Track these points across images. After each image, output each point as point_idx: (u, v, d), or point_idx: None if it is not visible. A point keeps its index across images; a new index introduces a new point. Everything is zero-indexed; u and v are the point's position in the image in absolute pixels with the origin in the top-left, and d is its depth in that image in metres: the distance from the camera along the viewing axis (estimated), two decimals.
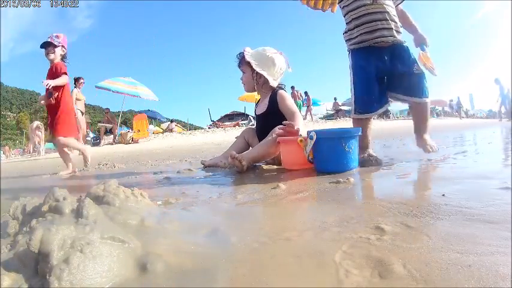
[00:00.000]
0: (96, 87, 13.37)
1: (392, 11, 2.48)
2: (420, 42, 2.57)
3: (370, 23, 2.44)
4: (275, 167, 2.63)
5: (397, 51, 2.47)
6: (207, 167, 2.96)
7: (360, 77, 2.51)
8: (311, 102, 20.45)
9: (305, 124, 3.86)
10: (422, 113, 2.52)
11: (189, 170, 2.83)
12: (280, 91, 2.84)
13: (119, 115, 14.52)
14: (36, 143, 13.58)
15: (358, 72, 2.51)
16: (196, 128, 24.47)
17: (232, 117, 28.61)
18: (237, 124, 21.10)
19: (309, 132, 2.16)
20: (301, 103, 19.01)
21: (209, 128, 20.60)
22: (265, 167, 2.64)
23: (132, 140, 12.06)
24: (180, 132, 16.48)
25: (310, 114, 20.28)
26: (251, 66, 2.87)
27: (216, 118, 26.34)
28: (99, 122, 15.06)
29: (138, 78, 16.70)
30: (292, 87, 17.70)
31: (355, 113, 2.51)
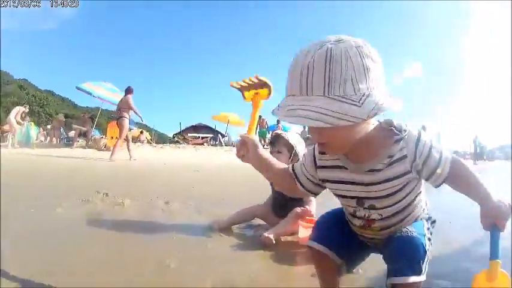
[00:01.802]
0: (77, 88, 13.33)
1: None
2: (490, 223, 1.18)
3: None
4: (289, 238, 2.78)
5: None
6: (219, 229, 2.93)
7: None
8: (281, 129, 20.92)
9: None
10: None
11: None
12: None
13: (92, 118, 14.43)
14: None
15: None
16: (162, 136, 24.35)
17: (198, 129, 28.78)
18: (206, 141, 21.33)
19: None
20: (267, 131, 19.36)
21: (175, 137, 20.65)
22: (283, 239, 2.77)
23: (105, 147, 11.88)
24: (149, 143, 16.45)
25: None
26: (290, 148, 2.92)
27: (181, 127, 26.49)
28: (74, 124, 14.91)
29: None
30: (259, 116, 17.99)
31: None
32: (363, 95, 1.00)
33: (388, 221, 1.34)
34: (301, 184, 1.42)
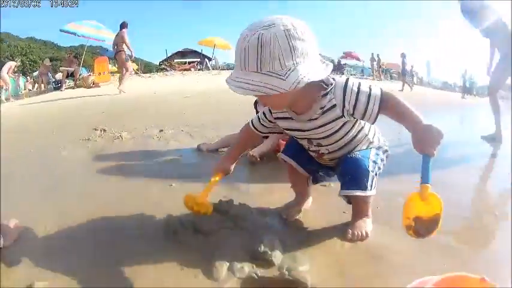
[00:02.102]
0: (61, 30, 12.95)
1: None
2: (422, 148, 1.33)
3: None
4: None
5: None
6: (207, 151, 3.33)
7: None
8: None
9: None
10: (359, 204, 1.76)
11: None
12: None
13: (77, 57, 14.13)
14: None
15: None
16: (149, 65, 23.95)
17: (185, 54, 28.29)
18: (193, 66, 21.04)
19: None
20: None
21: (162, 64, 20.44)
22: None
23: (94, 84, 11.84)
24: (137, 73, 16.29)
25: None
26: None
27: (167, 54, 26.04)
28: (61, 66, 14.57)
29: None
30: None
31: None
32: (289, 70, 1.24)
33: (335, 154, 1.67)
34: (258, 130, 1.78)
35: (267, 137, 3.03)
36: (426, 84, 27.75)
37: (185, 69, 19.55)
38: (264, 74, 1.25)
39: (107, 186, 2.48)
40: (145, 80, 13.95)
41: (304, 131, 1.59)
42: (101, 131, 4.41)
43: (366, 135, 1.65)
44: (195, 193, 1.75)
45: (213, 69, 20.27)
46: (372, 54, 20.76)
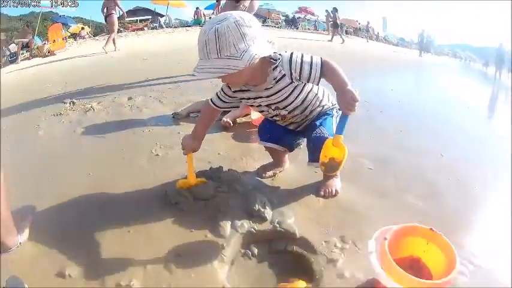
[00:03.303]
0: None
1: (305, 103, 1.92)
2: (345, 107, 1.60)
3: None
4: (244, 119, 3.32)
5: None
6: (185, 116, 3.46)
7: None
8: (221, 5, 20.34)
9: None
10: None
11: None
12: None
13: (27, 25, 13.33)
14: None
15: None
16: (100, 26, 22.78)
17: (136, 12, 27.13)
18: (146, 25, 20.32)
19: None
20: (203, 19, 19.25)
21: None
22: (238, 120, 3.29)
23: (49, 52, 11.34)
24: (90, 37, 15.65)
25: None
26: None
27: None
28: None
29: None
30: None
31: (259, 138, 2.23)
32: (243, 51, 1.51)
33: (294, 112, 1.90)
34: (219, 107, 1.95)
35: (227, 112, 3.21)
36: (382, 40, 27.65)
37: (138, 29, 18.82)
38: (223, 58, 1.51)
39: (95, 163, 2.55)
40: (99, 43, 13.39)
41: (262, 98, 1.82)
42: (70, 103, 4.33)
43: (316, 94, 1.90)
44: (182, 179, 2.01)
45: (166, 27, 19.67)
46: (326, 10, 20.63)
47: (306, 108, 1.91)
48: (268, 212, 1.76)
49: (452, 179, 2.31)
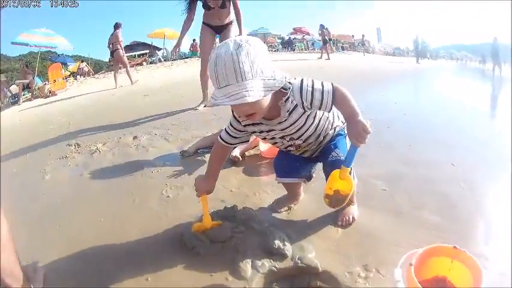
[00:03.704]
0: (13, 43, 12.36)
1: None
2: (354, 139, 1.58)
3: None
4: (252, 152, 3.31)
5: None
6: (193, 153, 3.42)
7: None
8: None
9: None
10: None
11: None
12: None
13: (27, 65, 13.56)
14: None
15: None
16: (98, 63, 23.15)
17: (133, 47, 27.58)
18: (144, 60, 20.59)
19: None
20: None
21: (110, 61, 19.92)
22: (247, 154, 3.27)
23: (50, 93, 11.47)
24: (89, 75, 15.85)
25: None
26: None
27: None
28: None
29: None
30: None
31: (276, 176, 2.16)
32: (273, 72, 1.48)
33: (309, 141, 1.85)
34: (231, 144, 1.90)
35: None
36: (378, 51, 27.94)
37: (137, 64, 19.12)
38: (257, 79, 1.42)
39: (106, 207, 2.52)
40: (99, 81, 13.61)
41: (275, 130, 1.77)
42: (75, 146, 4.32)
43: (327, 118, 1.85)
44: (197, 222, 1.98)
45: (164, 60, 19.95)
46: (321, 25, 20.93)
47: (319, 135, 1.86)
48: (288, 249, 1.72)
49: (466, 188, 2.31)
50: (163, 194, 2.57)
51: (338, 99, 1.63)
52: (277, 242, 1.73)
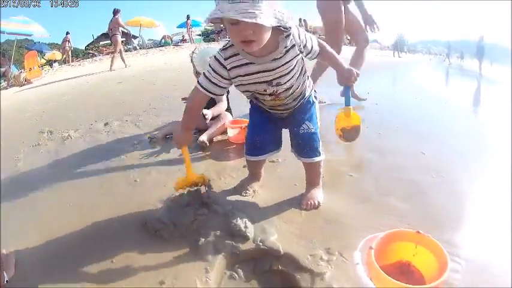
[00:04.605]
0: None
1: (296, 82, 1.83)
2: (345, 81, 1.94)
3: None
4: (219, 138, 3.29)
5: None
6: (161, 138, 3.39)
7: (254, 121, 2.10)
8: (191, 25, 20.46)
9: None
10: (315, 170, 2.03)
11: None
12: None
13: (6, 54, 13.04)
14: None
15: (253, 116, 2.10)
16: (75, 51, 22.48)
17: (109, 35, 26.95)
18: None
19: None
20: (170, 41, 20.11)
21: (87, 49, 19.49)
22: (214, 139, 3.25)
23: (26, 81, 11.10)
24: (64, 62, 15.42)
25: (190, 36, 20.37)
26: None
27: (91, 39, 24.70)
28: None
29: None
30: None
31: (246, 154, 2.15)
32: (281, 8, 1.44)
33: (289, 91, 1.80)
34: (211, 93, 1.78)
35: (212, 119, 3.18)
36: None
37: (113, 52, 18.66)
38: (272, 8, 1.40)
39: (75, 193, 2.48)
40: (75, 69, 13.25)
41: (266, 71, 1.68)
42: (47, 133, 4.25)
43: (306, 72, 1.88)
44: (180, 177, 2.00)
45: (140, 48, 19.59)
46: (300, 19, 20.81)
47: (299, 87, 1.84)
48: (250, 231, 1.71)
49: (437, 177, 2.30)
50: (131, 178, 2.54)
51: (324, 50, 1.83)
52: (239, 224, 1.72)
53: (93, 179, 2.68)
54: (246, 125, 2.88)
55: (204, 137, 3.04)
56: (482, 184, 2.26)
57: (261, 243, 1.65)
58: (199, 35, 23.62)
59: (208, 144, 3.04)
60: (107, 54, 17.65)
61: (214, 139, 3.23)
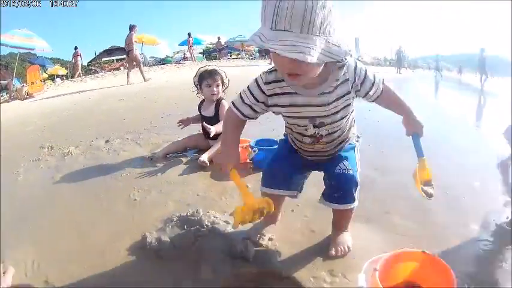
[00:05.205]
0: None
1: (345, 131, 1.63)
2: (413, 131, 1.63)
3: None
4: None
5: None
6: (162, 157, 3.35)
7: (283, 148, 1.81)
8: (192, 43, 20.54)
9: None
10: (346, 216, 1.76)
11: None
12: (223, 101, 3.28)
13: (8, 67, 13.07)
14: None
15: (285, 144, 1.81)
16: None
17: (111, 52, 27.15)
18: (122, 65, 20.28)
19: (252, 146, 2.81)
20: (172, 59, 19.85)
21: (90, 65, 19.61)
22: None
23: (28, 95, 11.10)
24: (67, 78, 15.47)
25: (192, 54, 20.40)
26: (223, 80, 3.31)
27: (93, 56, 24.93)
28: None
29: None
30: None
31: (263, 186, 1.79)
32: (339, 38, 1.15)
33: (332, 136, 1.56)
34: (242, 114, 1.54)
35: (214, 138, 3.16)
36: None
37: (115, 69, 18.81)
38: (325, 40, 1.12)
39: (75, 210, 2.45)
40: (77, 84, 13.26)
41: (311, 106, 1.44)
42: (48, 148, 4.21)
43: (354, 120, 1.67)
44: (239, 206, 1.49)
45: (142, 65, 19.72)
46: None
47: (343, 134, 1.60)
48: (251, 252, 1.69)
49: (440, 193, 2.17)
50: (130, 198, 2.52)
51: (387, 91, 1.51)
52: (240, 246, 1.70)
53: (92, 197, 2.65)
54: (248, 144, 2.89)
55: (204, 157, 3.02)
56: (486, 201, 2.25)
57: (262, 265, 1.63)
58: (201, 53, 23.83)
59: (208, 164, 3.01)
60: (109, 70, 17.75)
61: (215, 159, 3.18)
